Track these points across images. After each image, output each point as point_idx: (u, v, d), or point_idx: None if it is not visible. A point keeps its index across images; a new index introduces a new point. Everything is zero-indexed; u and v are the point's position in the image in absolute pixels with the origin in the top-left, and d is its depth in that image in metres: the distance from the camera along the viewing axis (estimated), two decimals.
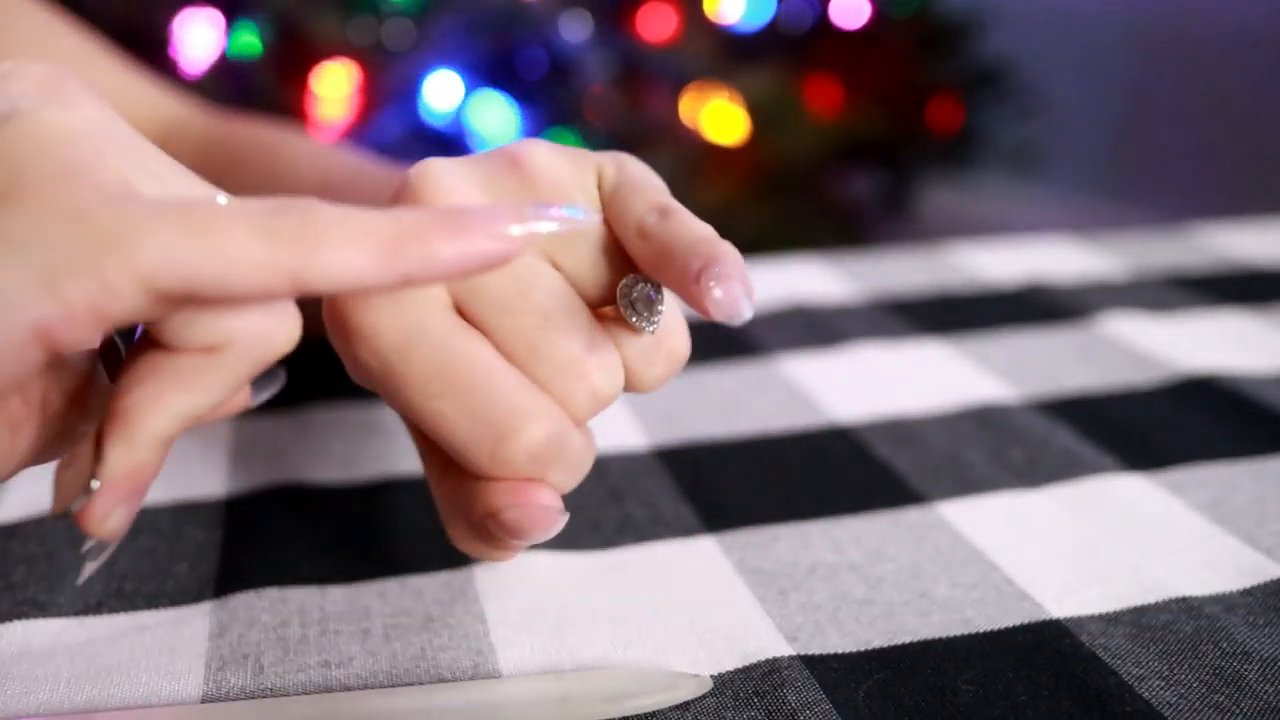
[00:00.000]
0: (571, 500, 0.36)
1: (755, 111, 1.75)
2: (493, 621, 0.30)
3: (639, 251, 0.27)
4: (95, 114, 0.22)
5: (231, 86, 1.45)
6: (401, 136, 1.51)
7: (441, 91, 1.53)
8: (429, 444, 0.29)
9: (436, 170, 0.28)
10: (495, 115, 1.56)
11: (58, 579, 0.31)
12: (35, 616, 0.30)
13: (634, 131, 1.64)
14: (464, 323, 0.27)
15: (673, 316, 0.29)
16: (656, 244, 0.27)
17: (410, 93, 1.52)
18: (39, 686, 0.27)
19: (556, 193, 0.28)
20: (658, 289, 0.28)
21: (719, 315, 0.25)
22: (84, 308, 0.19)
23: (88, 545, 0.23)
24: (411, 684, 0.27)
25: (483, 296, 0.27)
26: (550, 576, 0.32)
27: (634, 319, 0.28)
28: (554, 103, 1.59)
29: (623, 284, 0.28)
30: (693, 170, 1.72)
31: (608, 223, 0.28)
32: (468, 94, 1.55)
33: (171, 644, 0.29)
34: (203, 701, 0.27)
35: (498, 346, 0.27)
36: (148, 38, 1.42)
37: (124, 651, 0.28)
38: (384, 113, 1.51)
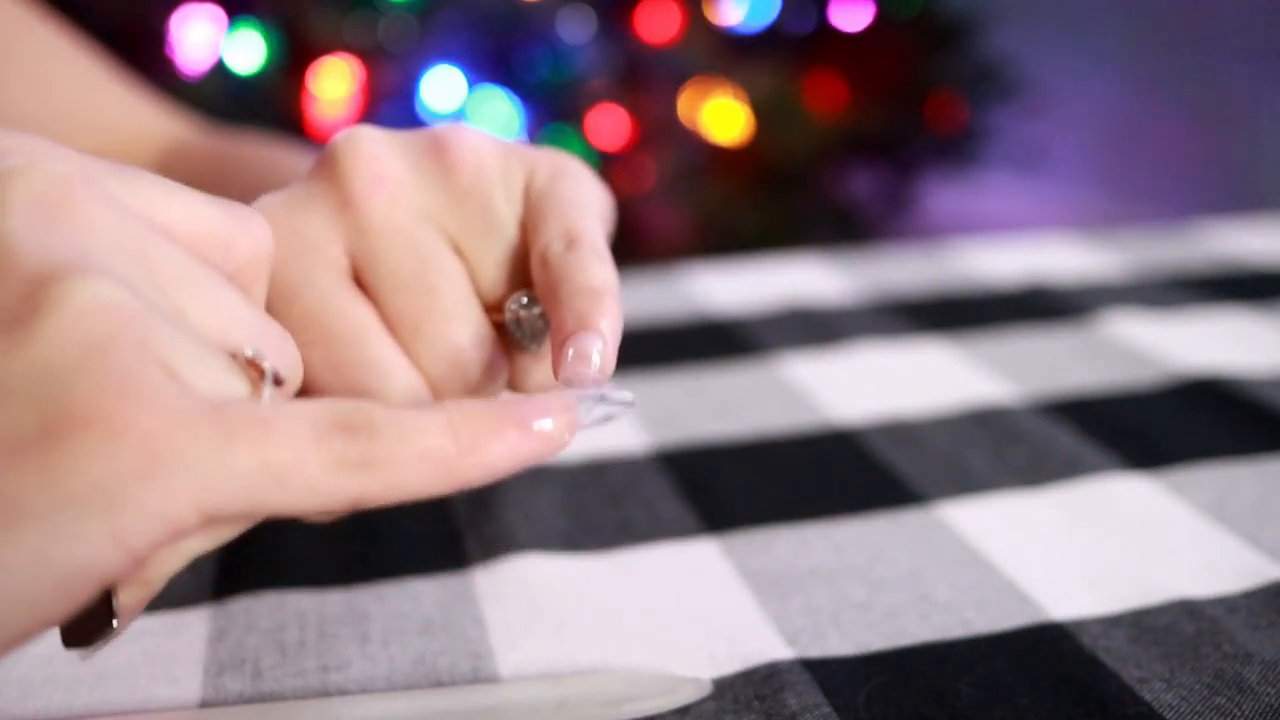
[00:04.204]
0: (570, 502, 0.36)
1: (757, 109, 1.74)
2: (491, 625, 0.30)
3: (536, 276, 0.27)
4: (113, 241, 0.20)
5: (231, 87, 1.45)
6: None
7: (442, 89, 1.53)
8: None
9: (363, 139, 0.28)
10: (496, 113, 1.56)
11: None
12: None
13: (635, 130, 1.64)
14: (354, 287, 0.27)
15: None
16: (550, 276, 0.27)
17: (411, 91, 1.52)
18: (36, 692, 0.27)
19: (476, 185, 0.28)
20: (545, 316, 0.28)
21: (562, 382, 0.25)
22: (149, 550, 0.18)
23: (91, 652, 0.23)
24: (410, 688, 0.27)
25: (378, 268, 0.27)
26: (549, 579, 0.31)
27: (517, 334, 0.28)
28: (555, 101, 1.59)
29: (515, 297, 0.28)
30: (694, 169, 1.72)
31: (522, 228, 0.29)
32: (468, 92, 1.55)
33: (169, 648, 0.29)
34: (201, 706, 0.27)
35: (384, 320, 0.27)
36: (146, 37, 1.42)
37: (122, 656, 0.28)
38: (385, 111, 1.51)
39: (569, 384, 0.25)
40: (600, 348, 0.25)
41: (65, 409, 0.17)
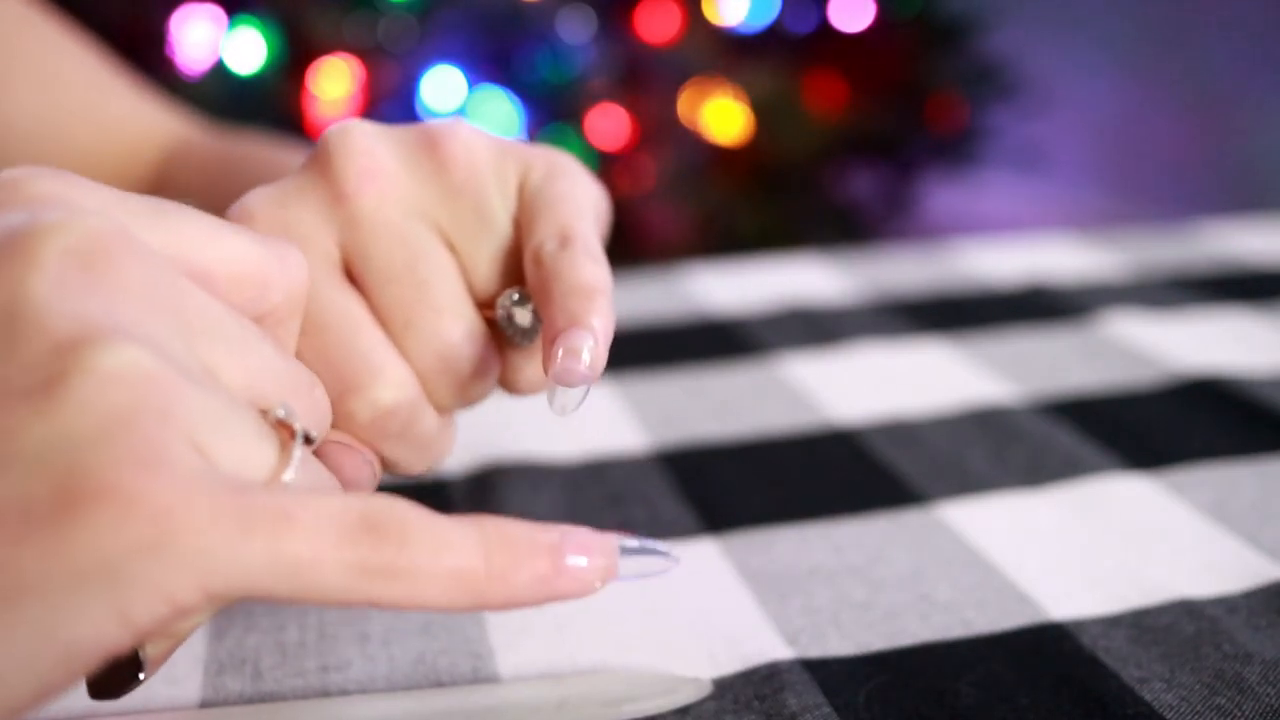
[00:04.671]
0: (570, 502, 0.36)
1: (756, 109, 1.74)
2: (491, 625, 0.30)
3: (529, 274, 0.27)
4: (146, 298, 0.20)
5: (231, 87, 1.45)
6: None
7: (442, 89, 1.53)
8: None
9: (354, 133, 0.28)
10: (496, 113, 1.56)
11: None
12: None
13: (635, 130, 1.64)
14: (345, 281, 0.27)
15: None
16: (543, 274, 0.27)
17: (411, 91, 1.52)
18: None
19: (470, 181, 0.28)
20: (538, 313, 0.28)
21: (552, 381, 0.25)
22: (151, 628, 0.17)
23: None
24: (410, 688, 0.27)
25: (369, 262, 0.27)
26: None
27: (509, 330, 0.28)
28: (555, 101, 1.59)
29: (507, 293, 0.28)
30: (694, 169, 1.72)
31: (516, 226, 0.29)
32: (468, 92, 1.55)
33: None
34: (201, 706, 0.27)
35: (375, 313, 0.27)
36: (145, 37, 1.42)
37: None
38: (385, 111, 1.51)
39: (559, 381, 0.25)
40: (591, 345, 0.25)
41: (81, 480, 0.17)
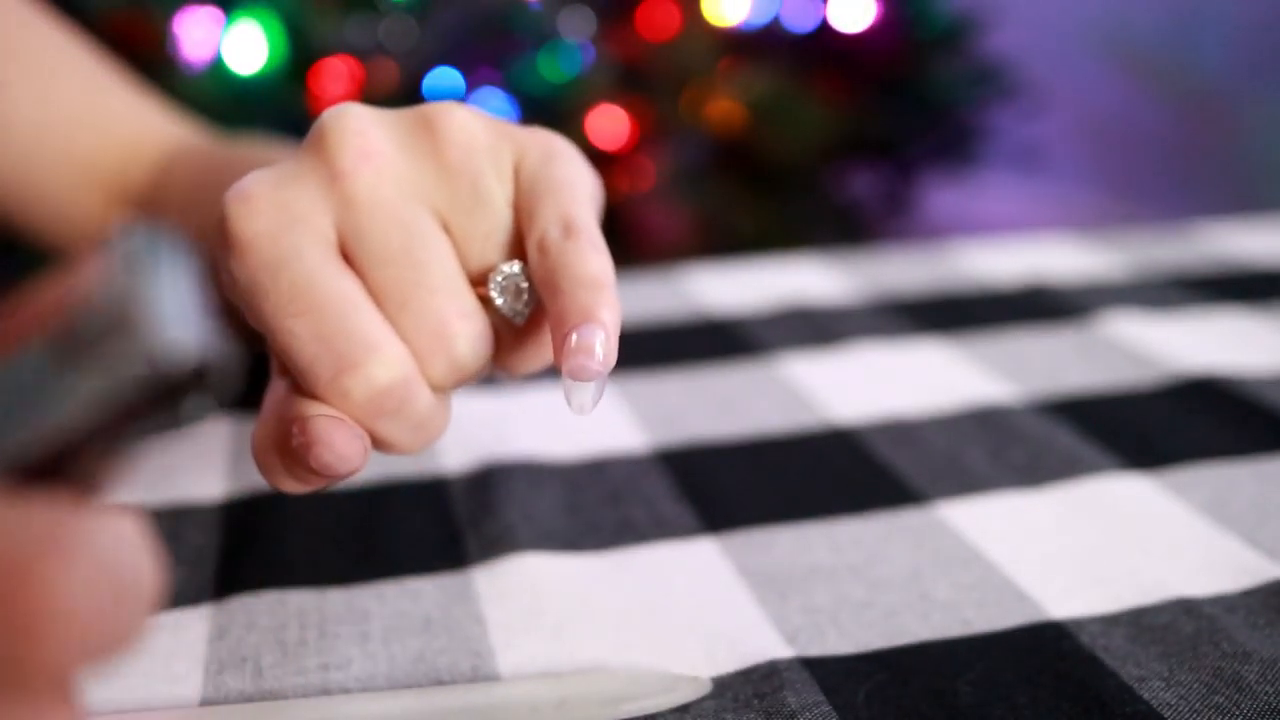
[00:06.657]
0: (570, 501, 0.36)
1: (756, 109, 1.74)
2: (491, 624, 0.30)
3: (534, 262, 0.28)
4: None
5: (232, 87, 1.45)
6: None
7: (441, 89, 1.53)
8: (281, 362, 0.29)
9: (350, 115, 0.28)
10: (495, 113, 1.55)
11: None
12: None
13: (635, 130, 1.64)
14: (341, 261, 0.27)
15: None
16: (549, 264, 0.27)
17: (411, 91, 1.52)
18: None
19: (466, 161, 0.28)
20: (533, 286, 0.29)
21: (566, 375, 0.26)
22: None
23: None
24: (410, 686, 0.27)
25: (365, 242, 0.27)
26: (549, 578, 0.31)
27: (500, 302, 0.28)
28: (555, 101, 1.59)
29: (498, 270, 0.29)
30: (694, 169, 1.72)
31: (515, 210, 0.29)
32: (468, 92, 1.55)
33: (170, 647, 0.29)
34: (202, 704, 0.27)
35: (371, 293, 0.27)
36: (145, 37, 1.42)
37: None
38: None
39: (573, 376, 0.26)
40: (603, 339, 0.26)
41: None
